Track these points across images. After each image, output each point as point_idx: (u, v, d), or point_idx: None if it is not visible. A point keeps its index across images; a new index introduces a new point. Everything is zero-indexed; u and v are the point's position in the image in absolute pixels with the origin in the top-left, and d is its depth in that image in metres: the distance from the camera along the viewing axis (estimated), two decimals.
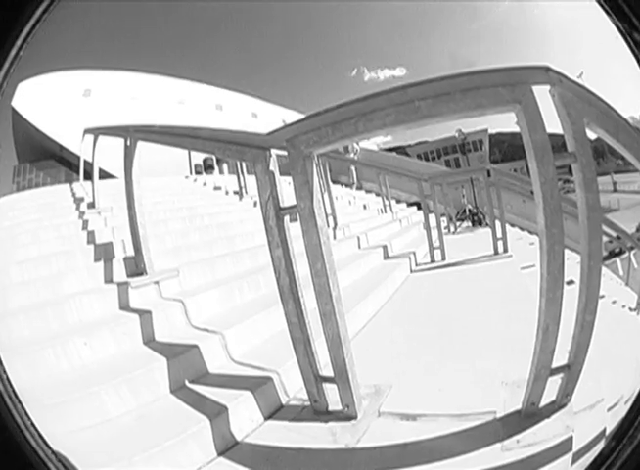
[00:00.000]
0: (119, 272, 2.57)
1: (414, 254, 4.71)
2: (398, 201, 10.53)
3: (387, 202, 7.70)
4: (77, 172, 5.82)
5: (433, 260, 4.72)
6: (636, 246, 6.06)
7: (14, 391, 0.87)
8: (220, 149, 1.78)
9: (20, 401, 0.87)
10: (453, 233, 7.71)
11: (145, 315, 2.07)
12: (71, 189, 5.66)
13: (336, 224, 4.91)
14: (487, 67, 1.35)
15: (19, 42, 0.84)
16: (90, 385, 1.58)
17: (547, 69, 1.29)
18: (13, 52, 0.84)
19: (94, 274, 2.49)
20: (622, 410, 0.89)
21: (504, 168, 10.05)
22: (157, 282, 2.47)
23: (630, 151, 1.43)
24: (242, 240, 3.65)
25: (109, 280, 2.51)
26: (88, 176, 4.74)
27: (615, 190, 18.55)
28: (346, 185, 11.89)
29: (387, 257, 4.61)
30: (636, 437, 0.80)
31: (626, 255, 6.54)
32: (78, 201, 4.69)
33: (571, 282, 1.85)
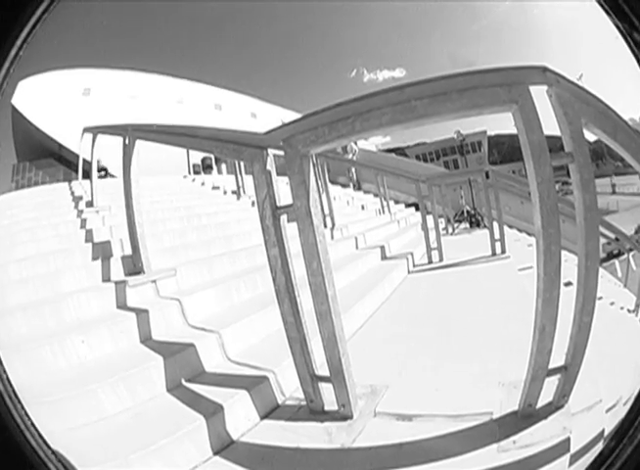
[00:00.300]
0: (117, 271, 2.57)
1: (412, 254, 4.71)
2: (397, 202, 10.53)
3: (385, 203, 7.70)
4: (76, 171, 5.81)
5: (430, 261, 4.72)
6: (635, 248, 6.08)
7: (14, 391, 0.87)
8: (218, 148, 1.78)
9: (19, 401, 0.87)
10: (451, 234, 7.72)
11: (142, 314, 2.06)
12: (70, 188, 5.64)
13: (333, 224, 4.91)
14: (485, 66, 1.35)
15: (19, 42, 0.84)
16: (87, 383, 1.58)
17: (544, 69, 1.29)
18: (13, 52, 0.84)
19: (92, 273, 2.49)
20: (621, 411, 0.89)
21: (503, 170, 10.07)
22: (154, 281, 2.47)
23: (628, 151, 1.43)
24: (239, 239, 3.65)
25: (106, 279, 2.50)
26: (87, 175, 4.73)
27: (613, 192, 18.55)
28: (345, 186, 11.87)
29: (384, 257, 4.60)
30: (636, 437, 0.79)
31: (625, 256, 6.55)
32: (77, 199, 4.68)
33: (568, 284, 1.85)
